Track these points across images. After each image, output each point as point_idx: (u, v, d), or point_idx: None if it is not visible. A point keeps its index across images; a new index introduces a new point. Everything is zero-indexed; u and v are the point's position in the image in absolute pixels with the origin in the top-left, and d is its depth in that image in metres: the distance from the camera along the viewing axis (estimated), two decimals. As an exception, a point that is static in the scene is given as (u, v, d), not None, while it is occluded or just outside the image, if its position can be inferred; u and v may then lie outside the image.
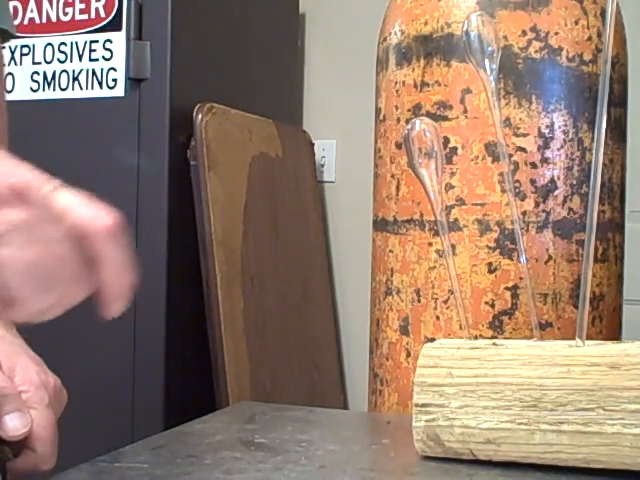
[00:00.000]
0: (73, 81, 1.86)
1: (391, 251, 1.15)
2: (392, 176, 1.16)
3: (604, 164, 1.09)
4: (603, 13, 1.10)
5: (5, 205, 0.53)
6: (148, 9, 1.81)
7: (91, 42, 1.85)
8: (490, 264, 1.07)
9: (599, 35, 1.10)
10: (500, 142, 0.87)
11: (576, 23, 1.09)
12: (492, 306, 1.07)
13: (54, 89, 1.88)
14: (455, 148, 1.09)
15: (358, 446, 0.85)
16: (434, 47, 1.11)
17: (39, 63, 1.89)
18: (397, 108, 1.15)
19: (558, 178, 1.08)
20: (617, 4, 0.97)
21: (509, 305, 1.07)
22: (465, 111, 1.09)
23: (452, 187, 1.09)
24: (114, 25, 1.83)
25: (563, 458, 0.73)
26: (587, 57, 1.09)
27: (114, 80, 1.82)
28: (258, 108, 2.06)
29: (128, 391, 1.79)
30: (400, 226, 1.14)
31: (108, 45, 1.83)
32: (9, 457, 0.68)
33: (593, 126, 0.79)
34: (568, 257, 1.08)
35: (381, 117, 1.19)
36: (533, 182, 1.08)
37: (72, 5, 1.86)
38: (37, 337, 1.99)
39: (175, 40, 1.80)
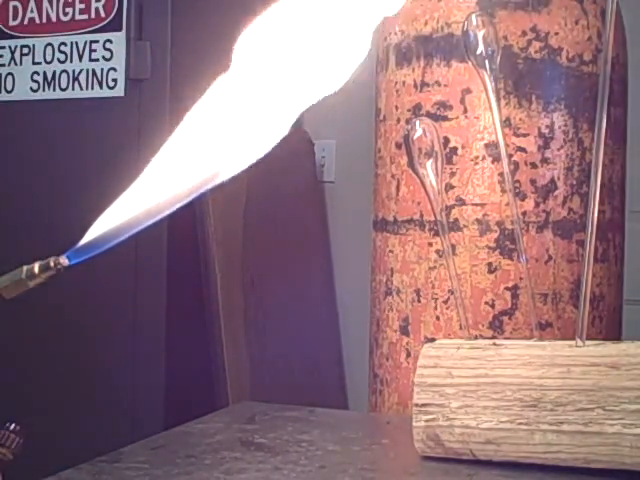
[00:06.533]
0: (73, 81, 1.86)
1: (391, 251, 1.15)
2: (392, 176, 1.16)
3: (604, 164, 1.09)
4: (603, 13, 1.09)
5: None
6: (148, 9, 1.81)
7: (91, 42, 1.85)
8: (490, 264, 1.07)
9: (599, 35, 1.10)
10: (500, 142, 0.87)
11: (576, 23, 1.09)
12: (492, 306, 1.07)
13: (54, 89, 1.88)
14: (455, 148, 1.09)
15: (358, 446, 0.85)
16: (434, 47, 1.11)
17: (39, 63, 1.89)
18: (397, 108, 1.15)
19: (558, 178, 1.08)
20: (617, 4, 0.97)
21: (509, 305, 1.07)
22: (465, 111, 1.08)
23: (452, 187, 1.09)
24: (114, 25, 1.83)
25: (563, 458, 0.73)
26: (587, 57, 1.09)
27: (114, 80, 1.82)
28: (258, 108, 2.06)
29: (128, 391, 1.79)
30: (400, 226, 1.14)
31: (108, 45, 1.83)
32: (8, 457, 0.68)
33: (593, 126, 0.79)
34: (568, 257, 1.08)
35: (381, 117, 1.19)
36: (533, 182, 1.08)
37: (72, 5, 1.86)
38: (38, 337, 1.99)
39: (175, 40, 1.80)
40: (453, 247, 1.07)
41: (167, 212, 0.51)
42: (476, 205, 1.08)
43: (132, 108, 1.80)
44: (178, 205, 0.51)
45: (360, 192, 1.81)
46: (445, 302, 1.09)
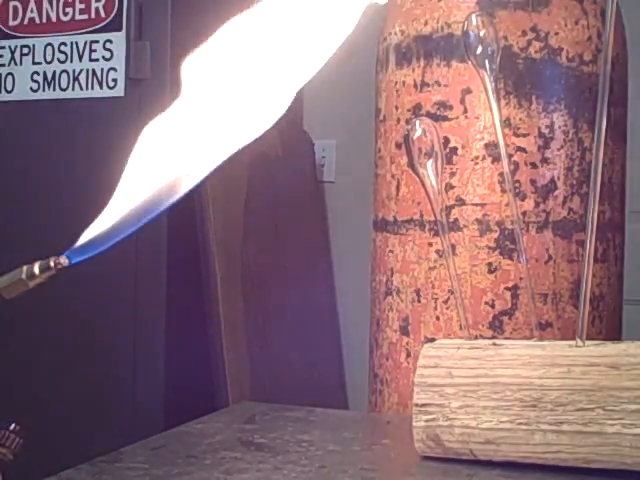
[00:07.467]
0: (73, 81, 1.86)
1: (391, 251, 1.15)
2: (392, 176, 1.16)
3: (604, 164, 1.09)
4: (603, 13, 1.09)
5: None
6: (148, 9, 1.81)
7: (91, 42, 1.85)
8: (490, 264, 1.07)
9: (599, 35, 1.10)
10: (500, 142, 0.87)
11: (576, 23, 1.09)
12: (492, 306, 1.07)
13: (54, 89, 1.88)
14: (455, 148, 1.09)
15: (358, 446, 0.85)
16: (434, 47, 1.11)
17: (39, 63, 1.89)
18: (397, 108, 1.15)
19: (558, 178, 1.08)
20: (617, 4, 0.97)
21: (509, 305, 1.07)
22: (465, 111, 1.08)
23: (452, 187, 1.09)
24: (114, 25, 1.83)
25: (563, 458, 0.73)
26: (587, 57, 1.09)
27: (114, 80, 1.82)
28: (258, 108, 2.06)
29: (128, 391, 1.79)
30: (400, 226, 1.14)
31: (108, 45, 1.83)
32: (8, 457, 0.68)
33: (593, 126, 0.79)
34: (568, 257, 1.08)
35: (381, 117, 1.19)
36: (533, 182, 1.08)
37: (72, 5, 1.86)
38: (37, 338, 1.99)
39: (175, 40, 1.80)
40: (453, 247, 1.07)
41: (167, 206, 0.51)
42: (476, 205, 1.08)
43: (132, 108, 1.80)
44: (176, 198, 0.51)
45: (360, 192, 1.80)
46: (445, 302, 1.09)
